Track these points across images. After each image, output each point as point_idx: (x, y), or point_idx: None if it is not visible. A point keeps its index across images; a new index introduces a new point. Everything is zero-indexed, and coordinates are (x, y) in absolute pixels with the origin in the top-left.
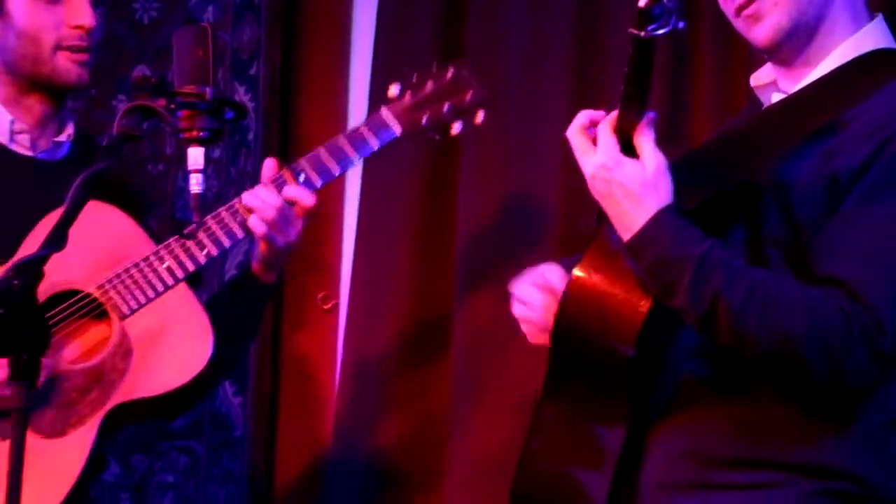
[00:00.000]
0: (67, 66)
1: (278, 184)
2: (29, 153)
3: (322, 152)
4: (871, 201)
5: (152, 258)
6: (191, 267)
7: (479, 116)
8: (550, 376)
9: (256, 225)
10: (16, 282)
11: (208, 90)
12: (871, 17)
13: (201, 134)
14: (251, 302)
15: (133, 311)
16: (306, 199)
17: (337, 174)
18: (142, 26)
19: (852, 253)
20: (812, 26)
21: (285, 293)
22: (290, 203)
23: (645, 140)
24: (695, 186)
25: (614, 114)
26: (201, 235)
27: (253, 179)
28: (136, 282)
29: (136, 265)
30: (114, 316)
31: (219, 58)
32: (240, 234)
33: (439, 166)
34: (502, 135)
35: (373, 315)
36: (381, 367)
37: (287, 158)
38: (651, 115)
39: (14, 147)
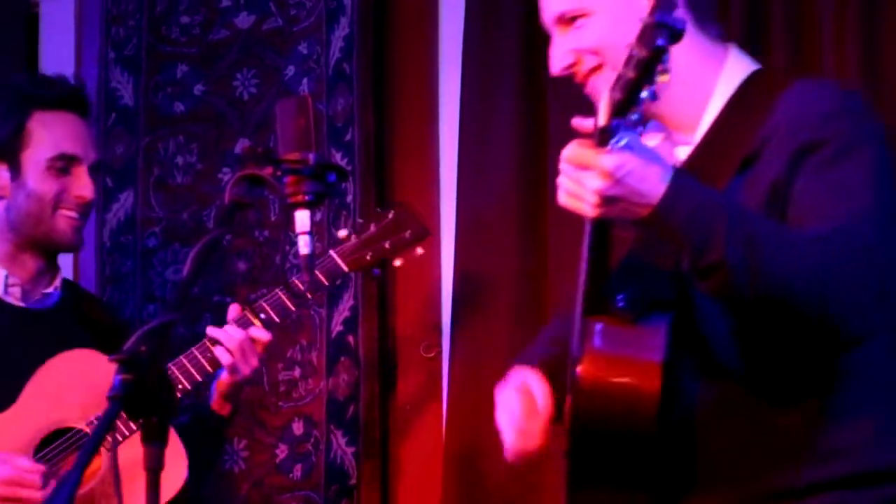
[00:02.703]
0: (64, 228)
1: (242, 323)
2: (20, 304)
3: (279, 293)
4: (822, 171)
5: None
6: None
7: (418, 250)
8: (570, 482)
9: (222, 355)
10: (143, 348)
11: (311, 156)
12: (725, 46)
13: (307, 197)
14: (211, 433)
15: (118, 444)
16: (264, 336)
17: (294, 311)
18: (242, 102)
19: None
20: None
21: (392, 346)
22: (252, 340)
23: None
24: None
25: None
26: (176, 373)
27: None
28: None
29: None
30: (101, 449)
31: (317, 125)
32: (209, 368)
33: (530, 212)
34: None
35: (475, 361)
36: (486, 411)
37: None
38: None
39: (7, 298)
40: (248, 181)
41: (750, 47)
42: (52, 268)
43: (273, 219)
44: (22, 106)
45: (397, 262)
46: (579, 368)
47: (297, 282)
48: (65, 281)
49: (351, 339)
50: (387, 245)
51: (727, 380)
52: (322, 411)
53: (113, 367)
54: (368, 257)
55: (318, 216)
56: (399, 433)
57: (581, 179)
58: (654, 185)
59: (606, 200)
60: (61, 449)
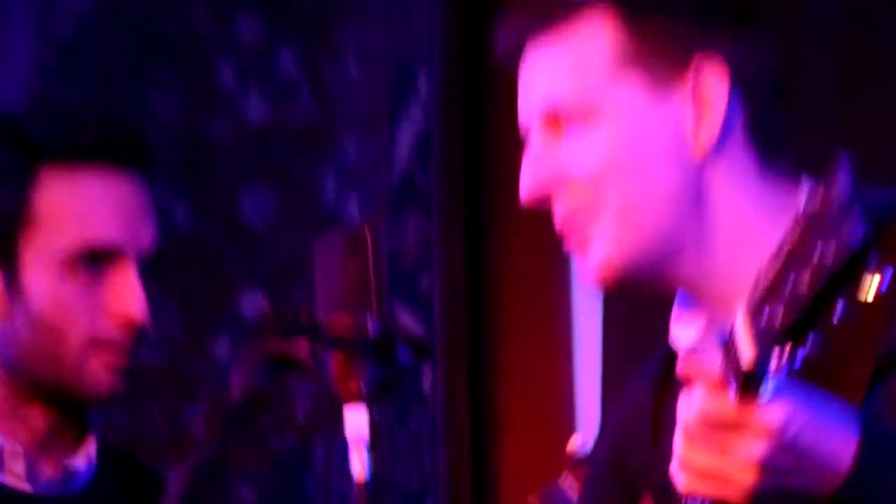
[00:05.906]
0: (99, 373)
1: None
2: (26, 487)
3: None
4: None
5: None
6: None
7: None
8: None
9: None
10: None
11: (370, 321)
12: (796, 184)
13: (364, 388)
14: None
15: None
16: None
17: None
18: (248, 233)
19: None
20: (698, 242)
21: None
22: None
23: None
24: None
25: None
26: None
27: (431, 447)
28: None
29: None
30: None
31: (379, 272)
32: None
33: None
34: None
35: None
36: None
37: (480, 421)
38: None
39: (5, 479)
40: (268, 362)
41: None
42: (73, 426)
43: (302, 420)
44: (24, 161)
45: None
46: None
47: None
48: (104, 447)
49: None
50: None
51: None
52: None
53: None
54: None
55: (377, 415)
56: None
57: (730, 447)
58: (838, 445)
59: (772, 473)
60: None
